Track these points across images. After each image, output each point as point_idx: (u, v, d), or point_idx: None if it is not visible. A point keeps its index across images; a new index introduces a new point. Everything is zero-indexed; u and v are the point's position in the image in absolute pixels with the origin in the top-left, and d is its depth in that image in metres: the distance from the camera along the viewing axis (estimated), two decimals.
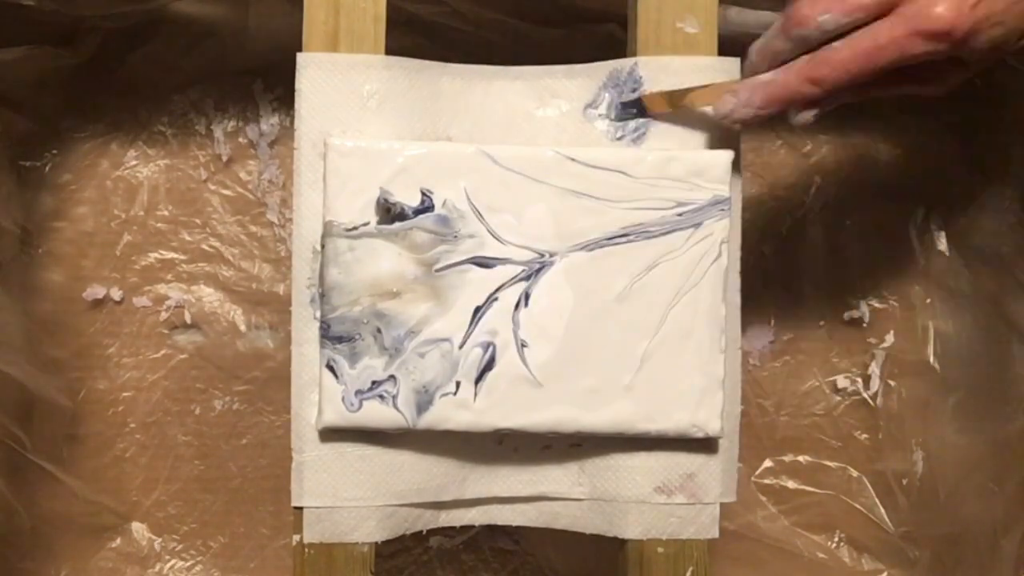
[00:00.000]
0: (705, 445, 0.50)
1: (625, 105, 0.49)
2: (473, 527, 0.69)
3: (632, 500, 0.50)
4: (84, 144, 0.69)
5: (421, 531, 0.51)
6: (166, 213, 0.69)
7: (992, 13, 0.39)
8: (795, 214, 0.72)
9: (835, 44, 0.41)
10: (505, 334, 0.47)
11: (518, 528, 0.59)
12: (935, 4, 0.39)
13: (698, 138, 0.49)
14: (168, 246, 0.69)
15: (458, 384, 0.47)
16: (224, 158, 0.69)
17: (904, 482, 0.71)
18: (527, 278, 0.47)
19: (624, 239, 0.48)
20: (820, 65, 0.41)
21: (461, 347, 0.47)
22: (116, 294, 0.68)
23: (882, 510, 0.71)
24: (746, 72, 0.47)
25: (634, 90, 0.49)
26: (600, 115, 0.50)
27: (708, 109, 0.47)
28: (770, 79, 0.44)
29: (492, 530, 0.70)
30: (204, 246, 0.69)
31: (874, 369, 0.71)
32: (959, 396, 0.69)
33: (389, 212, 0.47)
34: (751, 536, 0.71)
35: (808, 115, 0.44)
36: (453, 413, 0.47)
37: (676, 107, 0.48)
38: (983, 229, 0.67)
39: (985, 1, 0.39)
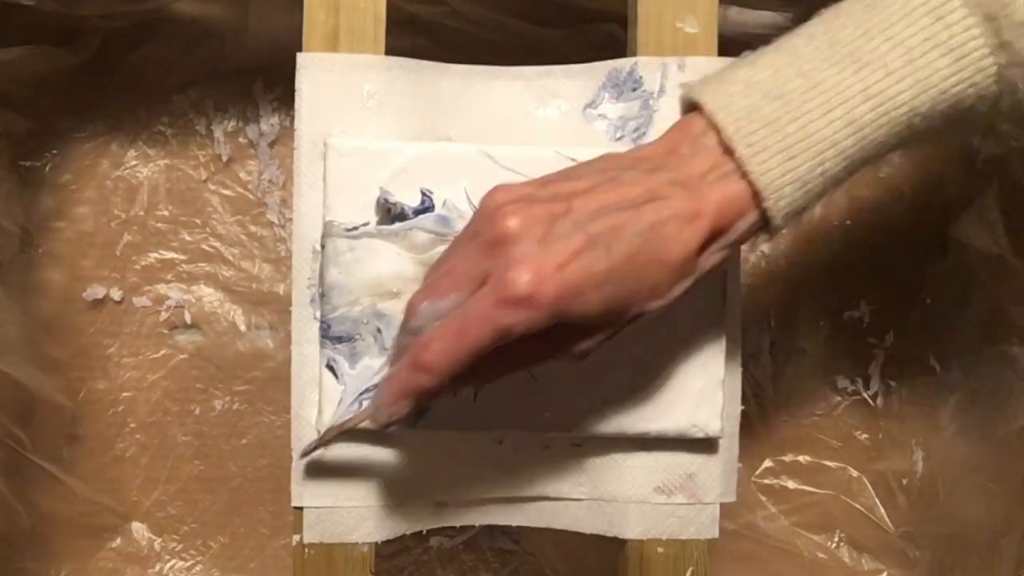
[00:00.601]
0: (705, 445, 0.50)
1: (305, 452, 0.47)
2: (473, 527, 0.70)
3: (632, 500, 0.50)
4: (84, 144, 0.69)
5: (421, 531, 0.51)
6: (166, 213, 0.69)
7: (593, 273, 0.36)
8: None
9: (435, 326, 0.38)
10: None
11: (518, 528, 0.59)
12: (513, 271, 0.36)
13: None
14: (168, 246, 0.69)
15: None
16: (224, 158, 0.69)
17: (904, 482, 0.71)
18: None
19: None
20: (421, 350, 0.37)
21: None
22: (116, 294, 0.68)
23: (882, 510, 0.71)
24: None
25: (635, 89, 0.49)
26: (600, 115, 0.50)
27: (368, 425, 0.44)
28: (386, 375, 0.40)
29: (492, 530, 0.70)
30: (204, 246, 0.69)
31: (874, 369, 0.72)
32: (959, 396, 0.69)
33: (389, 212, 0.47)
34: (751, 536, 0.71)
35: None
36: (453, 413, 0.47)
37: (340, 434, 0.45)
38: (983, 229, 0.67)
39: (577, 262, 0.36)
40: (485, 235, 0.38)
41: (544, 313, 0.36)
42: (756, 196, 0.39)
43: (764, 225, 0.40)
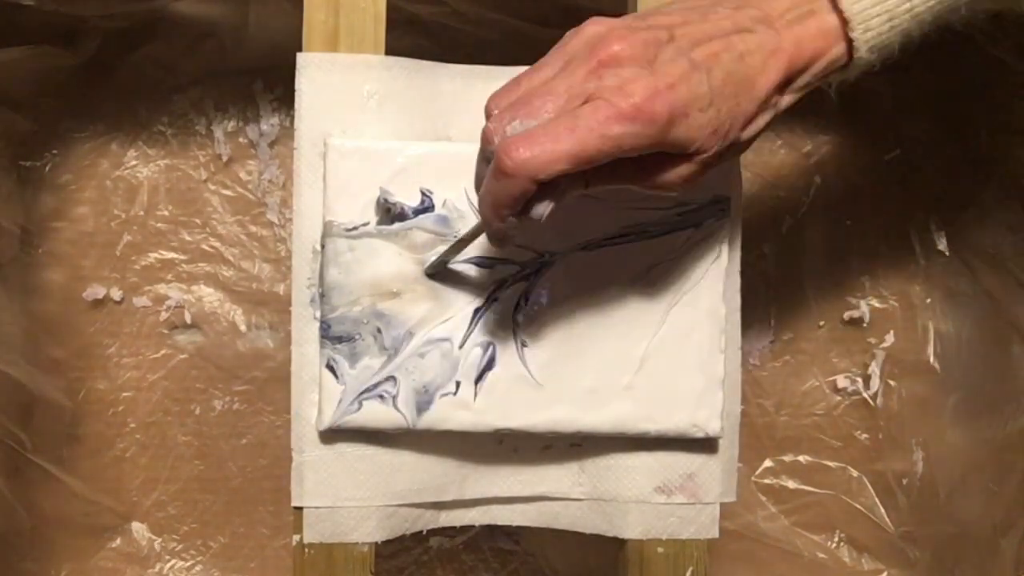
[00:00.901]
0: (705, 445, 0.50)
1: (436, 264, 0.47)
2: (473, 527, 0.69)
3: (632, 500, 0.50)
4: (84, 144, 0.69)
5: (421, 531, 0.51)
6: (166, 213, 0.69)
7: (697, 96, 0.37)
8: (795, 214, 0.72)
9: (517, 127, 0.37)
10: (505, 334, 0.47)
11: (518, 528, 0.59)
12: (628, 88, 0.36)
13: None
14: (168, 246, 0.69)
15: (458, 384, 0.47)
16: (224, 158, 0.69)
17: (904, 482, 0.71)
18: (527, 278, 0.47)
19: (624, 239, 0.48)
20: (502, 156, 0.36)
21: (461, 347, 0.47)
22: (116, 294, 0.68)
23: (882, 510, 0.71)
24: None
25: None
26: None
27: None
28: (480, 193, 0.39)
29: (492, 530, 0.70)
30: (204, 246, 0.69)
31: (874, 369, 0.71)
32: (959, 396, 0.69)
33: (389, 212, 0.47)
34: (751, 536, 0.71)
35: (541, 208, 0.38)
36: (453, 413, 0.47)
37: (456, 253, 0.46)
38: (983, 229, 0.67)
39: (685, 84, 0.37)
40: (591, 58, 0.38)
41: (656, 129, 0.37)
42: (844, 26, 0.40)
43: (847, 61, 0.41)
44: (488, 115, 0.39)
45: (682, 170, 0.40)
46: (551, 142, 0.36)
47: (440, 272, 0.47)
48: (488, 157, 0.38)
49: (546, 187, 0.37)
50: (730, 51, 0.39)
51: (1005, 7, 0.50)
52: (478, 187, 0.40)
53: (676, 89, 0.37)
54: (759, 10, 0.40)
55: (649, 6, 0.49)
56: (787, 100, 0.41)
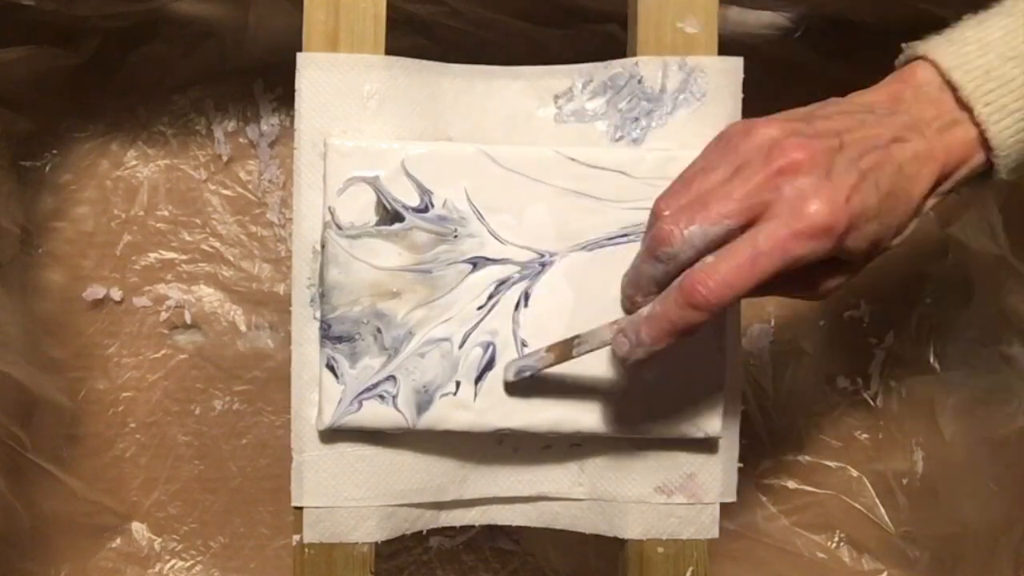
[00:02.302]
0: (705, 445, 0.50)
1: (520, 370, 0.46)
2: (473, 527, 0.70)
3: (632, 500, 0.50)
4: (84, 144, 0.69)
5: (421, 531, 0.51)
6: (166, 213, 0.69)
7: (867, 208, 0.37)
8: None
9: (708, 259, 0.37)
10: (505, 334, 0.47)
11: (518, 528, 0.59)
12: (809, 202, 0.36)
13: (698, 138, 0.49)
14: (168, 246, 0.69)
15: (458, 384, 0.47)
16: (224, 158, 0.69)
17: (904, 482, 0.71)
18: (527, 278, 0.47)
19: (624, 239, 0.48)
20: (697, 287, 0.37)
21: (461, 347, 0.47)
22: (116, 294, 0.68)
23: (882, 510, 0.71)
24: (623, 305, 0.44)
25: (636, 88, 0.49)
26: (600, 115, 0.50)
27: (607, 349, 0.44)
28: (649, 313, 0.39)
29: (492, 530, 0.70)
30: (204, 246, 0.69)
31: (874, 369, 0.72)
32: (959, 396, 0.69)
33: (389, 212, 0.47)
34: (751, 536, 0.71)
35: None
36: (453, 413, 0.47)
37: (571, 356, 0.44)
38: (983, 229, 0.67)
39: (858, 196, 0.37)
40: (769, 165, 0.37)
41: (833, 243, 0.37)
42: (986, 148, 0.40)
43: (983, 175, 0.42)
44: (658, 215, 0.39)
45: (842, 279, 0.41)
46: (739, 274, 0.37)
47: (440, 274, 0.47)
48: (661, 258, 0.39)
49: None
50: (891, 161, 0.39)
51: None
52: (638, 285, 0.41)
53: (852, 201, 0.37)
54: (910, 117, 0.40)
55: (650, 8, 0.49)
56: (932, 203, 0.41)
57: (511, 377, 0.46)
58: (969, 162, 0.41)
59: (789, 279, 0.38)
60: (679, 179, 0.40)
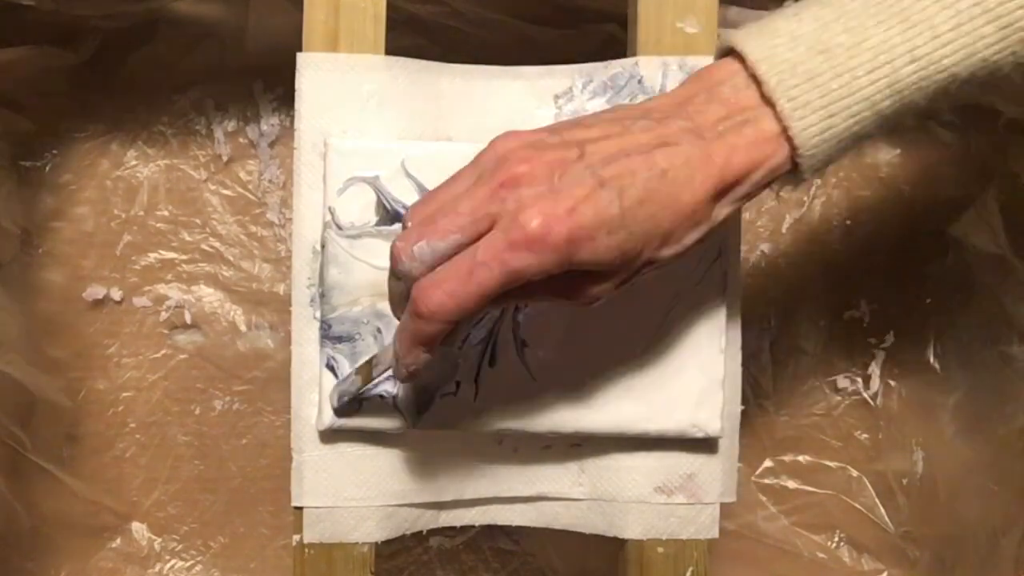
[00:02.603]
0: (705, 445, 0.50)
1: (341, 396, 0.47)
2: (473, 527, 0.70)
3: (632, 500, 0.50)
4: (84, 144, 0.69)
5: (421, 531, 0.51)
6: (166, 213, 0.69)
7: (604, 218, 0.36)
8: (795, 214, 0.72)
9: (436, 271, 0.37)
10: (505, 334, 0.47)
11: (518, 528, 0.59)
12: (526, 213, 0.35)
13: None
14: (168, 246, 0.69)
15: (458, 384, 0.47)
16: (224, 158, 0.69)
17: (904, 482, 0.71)
18: None
19: None
20: (421, 299, 0.36)
21: (461, 347, 0.47)
22: (116, 294, 0.68)
23: (882, 510, 0.71)
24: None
25: (636, 88, 0.49)
26: None
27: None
28: (399, 327, 0.39)
29: (492, 530, 0.70)
30: (204, 246, 0.69)
31: (874, 369, 0.72)
32: (959, 396, 0.69)
33: (389, 212, 0.47)
34: (751, 536, 0.71)
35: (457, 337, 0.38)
36: (453, 413, 0.47)
37: (372, 377, 0.45)
38: (983, 229, 0.67)
39: (588, 206, 0.35)
40: (493, 178, 0.37)
41: (555, 256, 0.36)
42: (790, 147, 0.38)
43: (788, 175, 0.39)
44: (404, 225, 0.39)
45: (604, 287, 0.39)
46: (459, 285, 0.36)
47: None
48: (397, 276, 0.38)
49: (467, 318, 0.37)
50: (650, 168, 0.37)
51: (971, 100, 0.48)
52: (394, 302, 0.41)
53: (577, 212, 0.35)
54: (689, 120, 0.38)
55: (650, 8, 0.49)
56: (726, 211, 0.39)
57: (335, 404, 0.47)
58: (767, 163, 0.38)
59: (549, 285, 0.37)
60: (432, 190, 0.39)
